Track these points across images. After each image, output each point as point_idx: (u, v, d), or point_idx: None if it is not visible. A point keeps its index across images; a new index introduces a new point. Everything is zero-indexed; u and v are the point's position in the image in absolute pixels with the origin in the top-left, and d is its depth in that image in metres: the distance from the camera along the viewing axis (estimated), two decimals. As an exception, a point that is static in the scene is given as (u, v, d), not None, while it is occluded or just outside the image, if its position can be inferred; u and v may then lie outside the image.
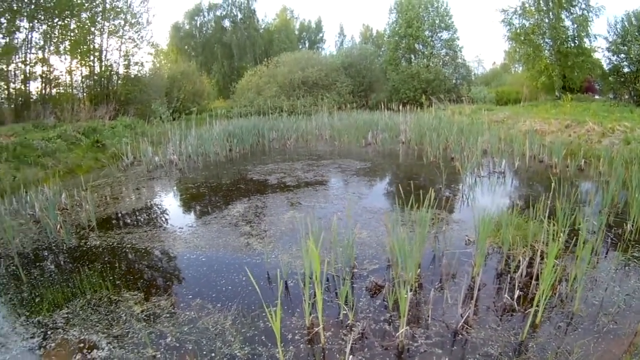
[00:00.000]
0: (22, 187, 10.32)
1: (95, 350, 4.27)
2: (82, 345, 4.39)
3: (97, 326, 4.73)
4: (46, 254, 7.21)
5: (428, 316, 4.28)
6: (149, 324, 4.71)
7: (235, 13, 47.56)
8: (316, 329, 4.10)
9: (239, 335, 4.28)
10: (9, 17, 24.71)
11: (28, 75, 26.37)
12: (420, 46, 35.45)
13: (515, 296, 4.43)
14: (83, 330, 4.67)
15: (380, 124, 18.92)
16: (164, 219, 8.89)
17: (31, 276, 6.23)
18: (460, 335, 3.99)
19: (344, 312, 4.43)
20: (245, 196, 9.73)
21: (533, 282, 4.80)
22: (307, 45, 56.09)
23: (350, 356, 3.72)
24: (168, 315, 4.87)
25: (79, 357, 4.20)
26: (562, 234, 5.47)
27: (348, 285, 4.52)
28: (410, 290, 4.22)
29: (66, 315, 5.00)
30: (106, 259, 6.71)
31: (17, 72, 26.22)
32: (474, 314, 4.23)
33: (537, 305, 4.01)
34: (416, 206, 5.82)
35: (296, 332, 4.25)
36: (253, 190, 10.32)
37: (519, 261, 5.14)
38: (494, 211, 6.30)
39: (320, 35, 58.04)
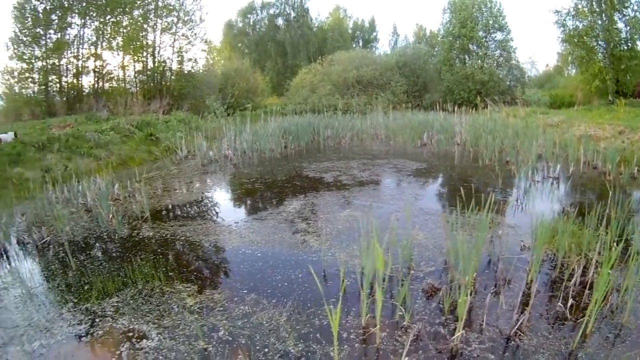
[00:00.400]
0: (73, 177, 10.88)
1: (144, 340, 4.36)
2: (131, 334, 4.49)
3: (148, 316, 4.84)
4: (97, 242, 7.52)
5: (483, 321, 4.33)
6: (202, 316, 4.77)
7: (288, 11, 49.25)
8: (372, 329, 4.17)
9: (294, 332, 4.34)
10: (60, 13, 27.13)
11: (80, 69, 28.67)
12: (474, 47, 35.63)
13: (568, 305, 4.46)
14: (133, 319, 4.78)
15: (435, 124, 19.14)
16: (218, 212, 9.14)
17: (81, 264, 6.49)
18: (512, 342, 4.05)
19: (400, 313, 4.50)
20: (301, 193, 9.99)
21: (586, 291, 4.83)
22: (360, 44, 57.57)
23: (406, 358, 3.78)
24: (221, 308, 4.92)
25: (127, 345, 4.29)
26: (615, 244, 5.26)
27: (407, 287, 4.61)
28: (463, 294, 4.20)
29: (116, 304, 5.15)
30: (159, 250, 6.92)
31: (69, 66, 28.60)
32: (527, 321, 4.28)
33: (589, 315, 4.03)
34: (473, 209, 5.88)
35: (351, 331, 4.32)
36: (309, 187, 10.58)
37: (573, 269, 5.22)
38: (548, 217, 6.34)
39: (374, 34, 59.61)
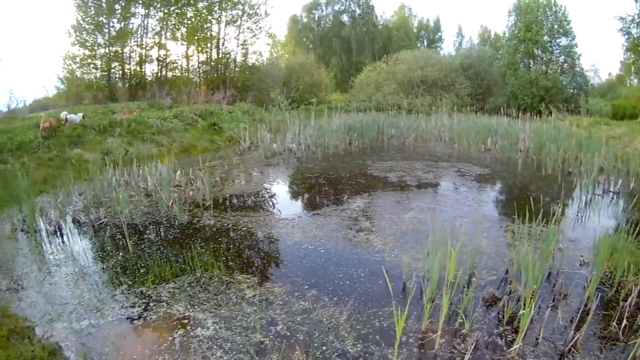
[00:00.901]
0: (134, 161, 11.32)
1: (199, 329, 4.41)
2: (186, 321, 4.55)
3: (205, 305, 4.89)
4: (156, 227, 7.76)
5: (539, 334, 4.33)
6: (260, 309, 4.78)
7: (353, 8, 49.47)
8: (432, 335, 4.22)
9: (353, 331, 4.39)
10: (123, 3, 28.62)
11: (144, 57, 30.25)
12: (539, 51, 34.72)
13: (622, 326, 4.42)
14: (189, 306, 4.85)
15: (499, 129, 18.83)
16: (281, 205, 9.28)
17: (138, 247, 6.70)
18: (566, 359, 4.04)
19: (460, 320, 4.52)
20: (365, 191, 10.12)
21: (640, 313, 4.74)
22: (425, 44, 58.61)
23: (462, 366, 3.76)
24: (281, 302, 4.94)
25: (181, 332, 4.34)
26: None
27: (470, 295, 4.63)
28: (527, 306, 4.21)
29: (172, 290, 5.25)
30: (219, 239, 7.04)
31: (132, 54, 30.18)
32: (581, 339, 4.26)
33: (642, 339, 3.95)
34: (535, 219, 6.05)
35: (411, 335, 4.35)
36: (373, 186, 10.72)
37: (630, 289, 5.13)
38: (608, 234, 6.38)
39: (439, 34, 60.33)
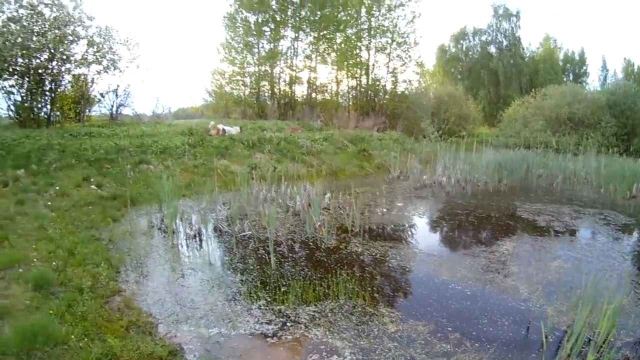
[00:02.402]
0: (282, 179, 11.79)
1: (335, 356, 4.38)
2: (322, 347, 4.54)
3: (344, 333, 4.86)
4: (301, 247, 7.95)
5: None
6: (401, 345, 4.66)
7: (500, 39, 50.69)
8: None
9: None
10: (272, 26, 31.01)
11: (294, 79, 32.28)
12: None
13: None
14: (328, 332, 4.84)
15: None
16: (429, 240, 9.31)
17: (281, 265, 6.89)
18: None
19: None
20: (513, 234, 10.00)
21: None
22: (570, 77, 57.00)
23: None
24: (423, 342, 4.80)
25: (315, 357, 4.34)
26: None
27: (613, 355, 4.46)
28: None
29: (312, 313, 5.29)
30: (366, 268, 7.05)
31: (282, 74, 32.48)
32: None
33: None
34: None
35: None
36: (521, 228, 10.61)
37: None
38: None
39: (584, 68, 58.67)
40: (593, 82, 60.23)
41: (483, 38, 51.22)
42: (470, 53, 52.53)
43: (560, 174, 18.99)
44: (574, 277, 5.99)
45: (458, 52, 52.75)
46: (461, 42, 52.45)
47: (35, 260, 6.23)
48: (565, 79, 52.66)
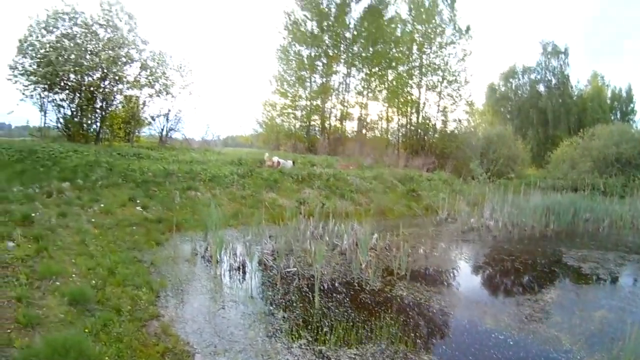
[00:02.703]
0: (330, 216, 11.67)
1: None
2: None
3: None
4: (346, 288, 7.79)
5: None
6: None
7: (549, 78, 50.86)
8: None
9: None
10: (325, 61, 32.00)
11: (344, 114, 33.03)
12: None
13: None
14: None
15: None
16: (474, 286, 9.32)
17: (324, 304, 6.75)
18: None
19: None
20: (558, 281, 10.05)
21: None
22: (618, 115, 56.67)
23: None
24: None
25: None
26: None
27: None
28: None
29: (353, 356, 5.13)
30: (410, 313, 6.88)
31: (333, 110, 33.33)
32: None
33: None
34: None
35: None
36: (567, 276, 10.67)
37: None
38: None
39: (632, 105, 58.23)
40: (640, 121, 59.44)
41: (532, 76, 51.59)
42: (519, 92, 52.97)
43: (606, 217, 18.86)
44: (617, 328, 5.96)
45: (507, 91, 53.23)
46: (510, 80, 52.88)
47: (73, 274, 6.28)
48: (612, 117, 52.59)
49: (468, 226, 15.34)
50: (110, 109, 19.57)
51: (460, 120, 35.04)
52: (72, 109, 18.62)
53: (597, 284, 10.09)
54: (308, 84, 32.00)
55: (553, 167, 35.89)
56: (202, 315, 5.83)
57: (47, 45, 16.89)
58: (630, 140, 33.11)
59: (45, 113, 18.49)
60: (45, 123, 18.77)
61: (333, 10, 31.71)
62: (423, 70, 33.71)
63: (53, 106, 18.36)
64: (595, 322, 7.31)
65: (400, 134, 34.97)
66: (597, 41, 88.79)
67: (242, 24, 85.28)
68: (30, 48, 17.16)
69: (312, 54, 31.60)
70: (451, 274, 9.68)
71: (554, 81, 49.81)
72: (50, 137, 18.16)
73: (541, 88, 50.71)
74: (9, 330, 4.48)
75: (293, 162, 16.34)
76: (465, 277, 9.82)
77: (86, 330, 4.69)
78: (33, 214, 8.42)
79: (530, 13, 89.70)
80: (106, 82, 18.44)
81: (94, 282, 6.14)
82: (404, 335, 5.83)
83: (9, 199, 9.12)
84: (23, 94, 17.53)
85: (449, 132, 34.17)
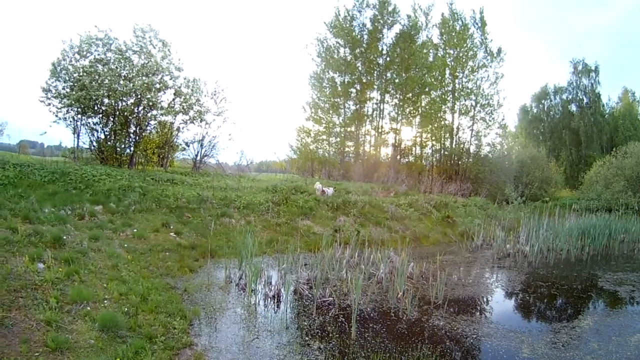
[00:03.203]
0: (366, 243, 11.63)
1: None
2: None
3: None
4: (382, 318, 7.66)
5: None
6: None
7: (580, 97, 51.41)
8: None
9: None
10: (359, 87, 32.40)
11: (379, 141, 33.19)
12: None
13: None
14: None
15: None
16: (510, 314, 9.14)
17: (361, 335, 6.62)
18: None
19: None
20: (594, 306, 10.01)
21: None
22: None
23: None
24: None
25: None
26: None
27: None
28: None
29: None
30: (447, 343, 6.74)
31: (367, 136, 33.67)
32: None
33: None
34: None
35: None
36: (602, 300, 10.63)
37: None
38: None
39: None
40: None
41: (564, 96, 51.89)
42: (551, 112, 53.21)
43: (640, 237, 18.51)
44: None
45: (540, 113, 53.64)
46: (543, 101, 53.34)
47: (105, 299, 6.27)
48: (645, 135, 51.79)
49: (503, 252, 15.25)
50: (144, 134, 19.79)
51: (494, 144, 35.00)
52: (106, 133, 18.93)
53: (633, 306, 10.07)
54: (342, 111, 32.33)
55: (587, 188, 35.76)
56: (236, 345, 5.74)
57: (81, 70, 17.27)
58: None
59: (78, 135, 18.82)
60: (78, 145, 19.10)
61: (365, 37, 32.09)
62: (456, 94, 33.83)
63: (86, 129, 18.72)
64: (631, 348, 7.31)
65: (434, 159, 35.02)
66: (626, 56, 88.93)
67: (277, 50, 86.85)
68: (63, 72, 17.56)
69: (346, 81, 31.92)
70: (488, 302, 9.61)
71: (585, 100, 50.01)
72: (83, 159, 18.48)
73: (573, 108, 50.97)
74: (37, 354, 4.47)
75: (334, 189, 16.43)
76: (502, 305, 9.70)
77: (117, 358, 4.65)
78: (64, 237, 8.46)
79: (558, 30, 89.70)
80: (140, 108, 18.71)
81: (125, 308, 6.12)
82: (440, 366, 5.66)
83: (40, 220, 9.19)
84: (56, 115, 17.88)
85: (482, 156, 34.07)
